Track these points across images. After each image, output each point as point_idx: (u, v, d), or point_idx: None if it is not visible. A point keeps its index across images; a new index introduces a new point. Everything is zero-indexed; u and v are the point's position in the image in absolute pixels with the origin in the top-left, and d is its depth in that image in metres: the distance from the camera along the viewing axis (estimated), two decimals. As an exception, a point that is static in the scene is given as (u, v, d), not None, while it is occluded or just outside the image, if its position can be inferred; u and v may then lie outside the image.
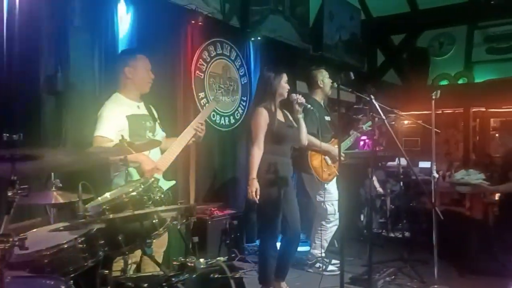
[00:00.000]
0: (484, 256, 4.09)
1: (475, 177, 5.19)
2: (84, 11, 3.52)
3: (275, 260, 3.34)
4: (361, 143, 6.16)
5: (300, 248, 4.91)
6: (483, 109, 8.57)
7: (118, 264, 2.23)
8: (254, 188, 3.11)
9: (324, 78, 4.16)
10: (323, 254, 4.17)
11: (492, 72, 8.28)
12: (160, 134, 2.95)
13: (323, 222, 4.11)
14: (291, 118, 3.44)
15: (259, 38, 5.29)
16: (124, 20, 3.79)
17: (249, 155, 3.24)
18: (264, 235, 3.34)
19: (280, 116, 3.36)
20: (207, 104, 4.59)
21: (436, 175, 3.69)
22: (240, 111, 5.14)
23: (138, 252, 2.59)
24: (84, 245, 1.89)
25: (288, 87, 3.36)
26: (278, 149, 3.29)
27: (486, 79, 8.16)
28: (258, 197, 3.11)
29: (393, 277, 3.88)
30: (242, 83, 5.20)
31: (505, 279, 3.70)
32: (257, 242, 5.06)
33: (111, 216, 1.77)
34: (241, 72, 5.18)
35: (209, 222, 4.21)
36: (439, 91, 3.67)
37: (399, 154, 4.25)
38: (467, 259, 4.14)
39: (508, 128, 4.45)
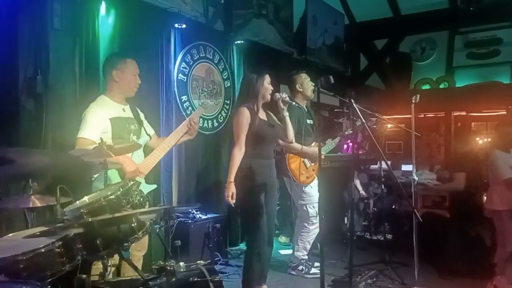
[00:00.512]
0: (463, 257, 4.16)
1: (425, 177, 5.35)
2: (65, 14, 3.50)
3: (260, 265, 3.34)
4: (345, 146, 6.21)
5: (283, 251, 4.95)
6: (464, 113, 8.73)
7: (97, 268, 2.21)
8: (231, 192, 3.07)
9: (303, 82, 4.18)
10: (306, 257, 4.19)
11: (472, 76, 8.44)
12: (144, 138, 2.94)
13: (305, 224, 4.14)
14: (274, 118, 3.44)
15: (242, 41, 5.30)
16: (105, 22, 3.76)
17: (230, 157, 3.21)
18: (251, 238, 3.30)
19: (262, 115, 3.36)
20: (193, 111, 4.59)
21: (416, 178, 3.74)
22: (224, 114, 5.15)
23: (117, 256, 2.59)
24: (62, 249, 1.87)
25: (271, 88, 3.34)
26: (260, 151, 3.27)
27: (467, 83, 8.32)
28: (234, 201, 3.09)
29: (375, 279, 3.92)
30: (225, 86, 5.20)
31: (484, 280, 3.78)
32: (241, 246, 5.07)
33: (89, 219, 1.75)
34: (224, 76, 5.19)
35: (192, 226, 4.19)
36: (418, 96, 3.73)
37: (381, 158, 4.30)
38: (447, 260, 4.20)
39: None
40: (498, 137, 4.27)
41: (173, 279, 1.84)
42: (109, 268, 2.23)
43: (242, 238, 5.22)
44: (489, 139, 7.90)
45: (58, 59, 3.44)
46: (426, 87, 8.69)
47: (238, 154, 3.16)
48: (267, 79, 3.32)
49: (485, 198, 4.36)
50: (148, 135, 2.99)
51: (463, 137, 4.75)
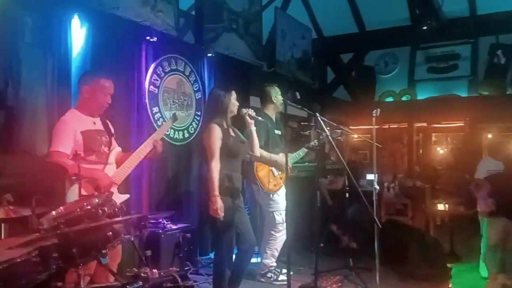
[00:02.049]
0: (422, 262, 4.39)
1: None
2: (36, 27, 3.53)
3: (229, 272, 3.43)
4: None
5: (252, 259, 5.06)
6: (425, 124, 9.13)
7: (70, 277, 2.26)
8: (219, 206, 3.16)
9: (277, 94, 4.36)
10: (275, 264, 4.32)
11: (432, 90, 8.86)
12: (116, 149, 3.01)
13: (272, 232, 4.27)
14: (240, 134, 3.58)
15: (213, 54, 5.43)
16: (78, 36, 3.82)
17: (207, 172, 3.28)
18: (220, 248, 3.39)
19: (232, 132, 3.49)
20: (164, 122, 4.67)
21: (377, 187, 3.95)
22: (194, 125, 5.24)
23: (92, 265, 2.64)
24: (38, 259, 1.93)
25: (238, 104, 3.48)
26: (231, 164, 3.38)
27: (428, 96, 8.72)
28: (223, 214, 3.17)
29: (340, 284, 4.10)
30: (197, 98, 5.31)
31: (441, 284, 4.02)
32: (211, 255, 5.14)
33: (66, 229, 1.82)
34: (196, 88, 5.30)
35: (162, 236, 4.24)
36: (379, 110, 3.95)
37: (345, 168, 4.49)
38: (407, 265, 4.42)
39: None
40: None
41: (147, 286, 1.93)
42: (83, 278, 2.29)
43: (212, 247, 5.30)
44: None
45: (30, 72, 3.47)
46: (390, 99, 9.04)
47: (216, 167, 3.25)
48: (233, 95, 3.45)
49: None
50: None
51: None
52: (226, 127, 3.40)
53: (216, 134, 3.31)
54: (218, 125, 3.34)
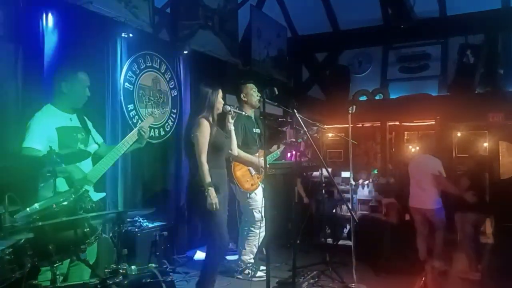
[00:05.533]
0: (397, 256, 4.49)
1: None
2: (7, 21, 3.44)
3: (218, 268, 3.44)
4: (289, 154, 6.45)
5: (229, 257, 5.06)
6: (398, 123, 9.31)
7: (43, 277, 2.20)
8: (215, 199, 3.21)
9: (248, 92, 4.35)
10: (252, 260, 4.33)
11: (404, 89, 9.02)
12: (93, 146, 2.96)
13: (252, 229, 4.28)
14: (221, 130, 3.58)
15: (188, 52, 5.39)
16: (50, 30, 3.72)
17: (198, 166, 3.29)
18: (214, 243, 3.37)
19: (217, 128, 3.51)
20: (140, 120, 4.62)
21: (353, 183, 4.01)
22: (170, 123, 5.20)
23: (65, 264, 2.58)
24: (12, 257, 1.87)
25: (223, 102, 3.54)
26: (217, 159, 3.41)
27: (400, 95, 8.89)
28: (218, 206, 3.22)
29: (317, 279, 4.14)
30: (172, 95, 5.26)
31: (414, 277, 4.11)
32: (188, 253, 5.11)
33: (41, 223, 1.78)
34: (171, 85, 5.25)
35: (139, 234, 4.19)
36: (354, 107, 4.01)
37: (322, 165, 4.54)
38: (382, 259, 4.51)
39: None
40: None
41: (125, 282, 1.90)
42: (58, 277, 2.24)
43: (189, 245, 5.26)
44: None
45: (0, 66, 3.37)
46: (363, 98, 9.16)
47: (205, 162, 3.28)
48: (220, 93, 3.52)
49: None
50: (97, 143, 3.00)
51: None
52: (212, 123, 3.44)
53: (207, 129, 3.35)
54: (206, 119, 3.36)
